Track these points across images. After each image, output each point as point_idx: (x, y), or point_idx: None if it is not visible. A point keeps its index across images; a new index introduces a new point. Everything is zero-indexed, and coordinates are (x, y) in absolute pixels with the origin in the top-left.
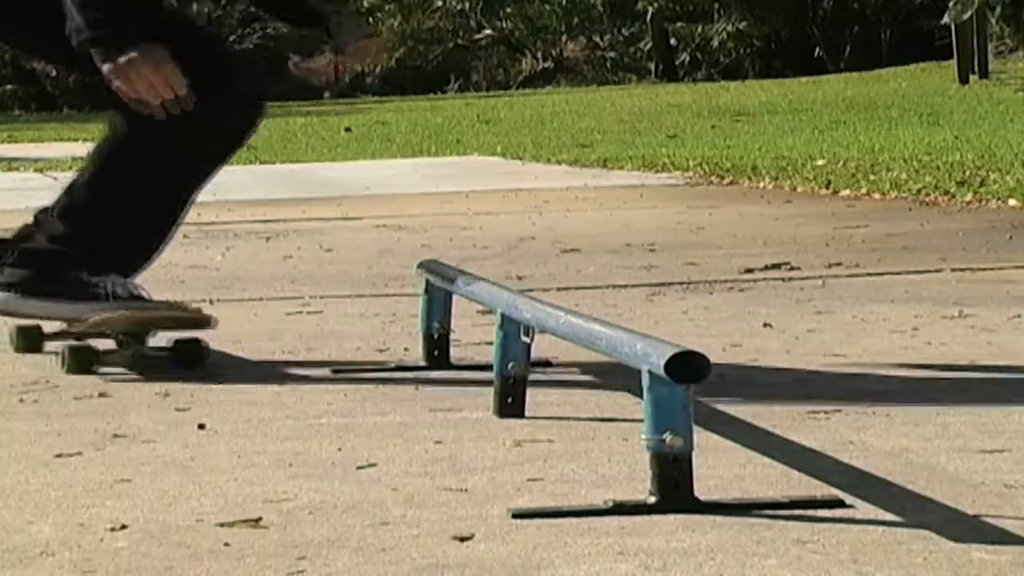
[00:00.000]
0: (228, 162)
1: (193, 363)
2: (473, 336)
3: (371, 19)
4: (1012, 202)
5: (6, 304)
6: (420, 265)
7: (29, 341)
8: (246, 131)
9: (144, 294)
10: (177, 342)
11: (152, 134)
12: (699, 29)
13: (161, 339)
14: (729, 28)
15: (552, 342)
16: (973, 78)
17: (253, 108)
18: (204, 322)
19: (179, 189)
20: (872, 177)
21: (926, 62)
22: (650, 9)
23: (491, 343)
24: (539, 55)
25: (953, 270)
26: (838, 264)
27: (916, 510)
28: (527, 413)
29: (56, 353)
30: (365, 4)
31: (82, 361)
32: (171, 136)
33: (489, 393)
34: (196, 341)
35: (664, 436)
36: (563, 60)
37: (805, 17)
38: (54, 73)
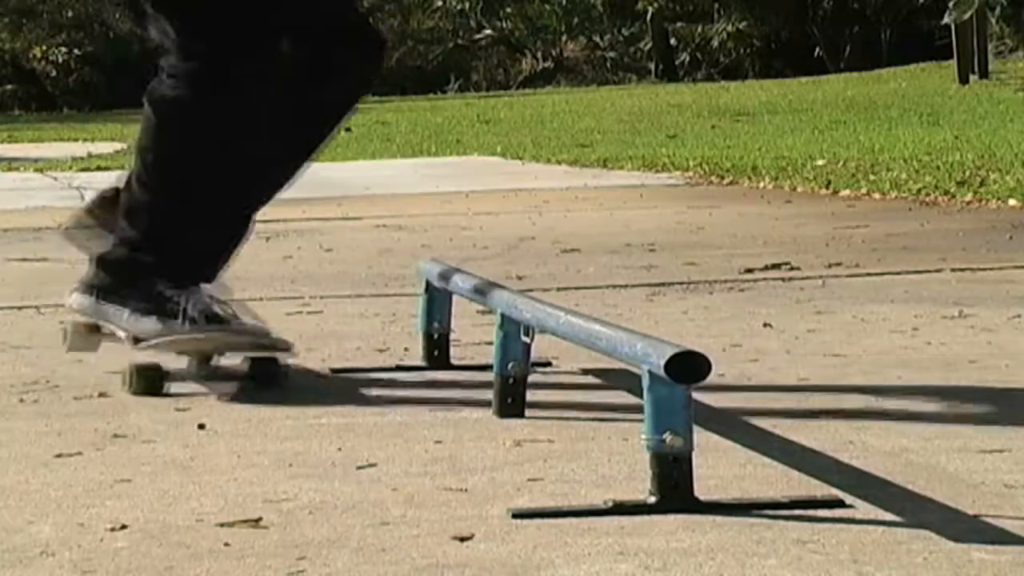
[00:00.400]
0: (312, 149)
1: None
2: (473, 336)
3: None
4: (1012, 202)
5: (83, 308)
6: (420, 265)
7: (149, 383)
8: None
9: (220, 312)
10: (254, 361)
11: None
12: (699, 29)
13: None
14: (729, 28)
15: (552, 342)
16: (973, 78)
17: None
18: (284, 348)
19: (238, 176)
20: (872, 177)
21: (926, 62)
22: (650, 9)
23: (491, 343)
24: (539, 55)
25: (953, 270)
26: (838, 264)
27: (916, 510)
28: (527, 413)
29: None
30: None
31: (151, 382)
32: (218, 118)
33: (489, 393)
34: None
35: (664, 436)
36: (563, 60)
37: (805, 17)
38: (54, 73)
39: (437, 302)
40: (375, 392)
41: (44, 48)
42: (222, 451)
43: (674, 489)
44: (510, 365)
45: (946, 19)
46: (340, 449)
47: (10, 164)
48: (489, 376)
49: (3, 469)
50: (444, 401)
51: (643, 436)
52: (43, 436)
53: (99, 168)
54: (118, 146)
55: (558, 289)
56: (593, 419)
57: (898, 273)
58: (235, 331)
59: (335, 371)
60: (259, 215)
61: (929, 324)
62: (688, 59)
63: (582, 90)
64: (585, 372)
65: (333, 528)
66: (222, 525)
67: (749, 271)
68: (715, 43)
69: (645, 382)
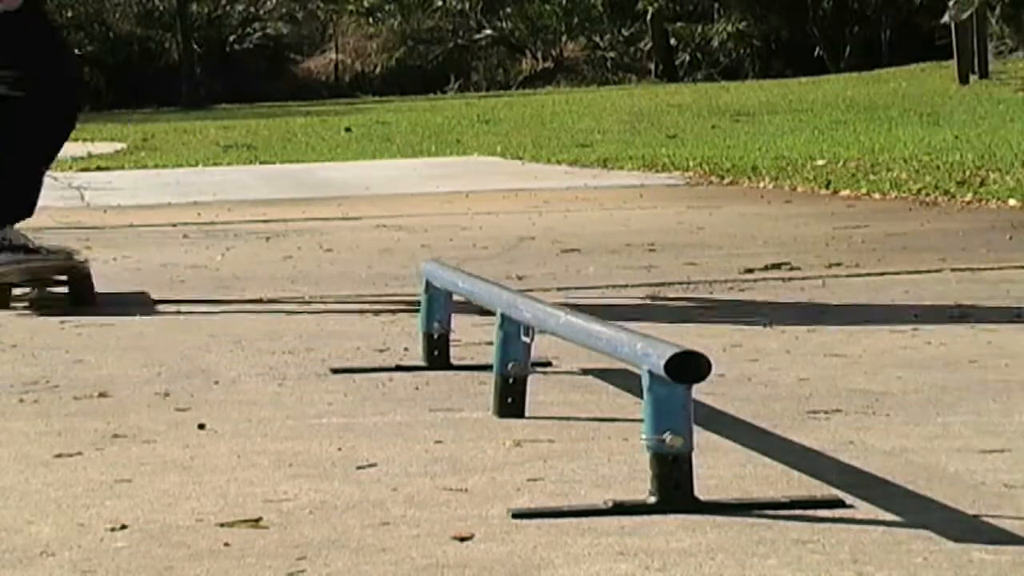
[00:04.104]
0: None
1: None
2: (473, 336)
3: (371, 19)
4: (1012, 202)
5: None
6: (420, 265)
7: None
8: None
9: (31, 244)
10: (71, 283)
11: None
12: (699, 29)
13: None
14: (729, 28)
15: (552, 342)
16: (973, 78)
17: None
18: (84, 266)
19: (33, 158)
20: (872, 177)
21: (926, 62)
22: (650, 9)
23: (491, 343)
24: (539, 55)
25: (953, 270)
26: (838, 264)
27: (916, 510)
28: (527, 413)
29: None
30: (365, 4)
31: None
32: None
33: (489, 393)
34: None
35: (664, 436)
36: (563, 60)
37: (805, 17)
38: None
39: (437, 302)
40: (375, 392)
41: None
42: (222, 451)
43: (674, 489)
44: (510, 365)
45: (945, 18)
46: (340, 449)
47: None
48: (489, 376)
49: (3, 469)
50: (444, 401)
51: (643, 436)
52: (43, 436)
53: (99, 168)
54: (118, 146)
55: (558, 289)
56: (593, 419)
57: (898, 273)
58: (44, 258)
59: (335, 371)
60: (259, 215)
61: (929, 324)
62: (688, 59)
63: (582, 90)
64: (585, 372)
65: (333, 528)
66: (222, 525)
67: (749, 271)
68: (715, 43)
69: (645, 382)
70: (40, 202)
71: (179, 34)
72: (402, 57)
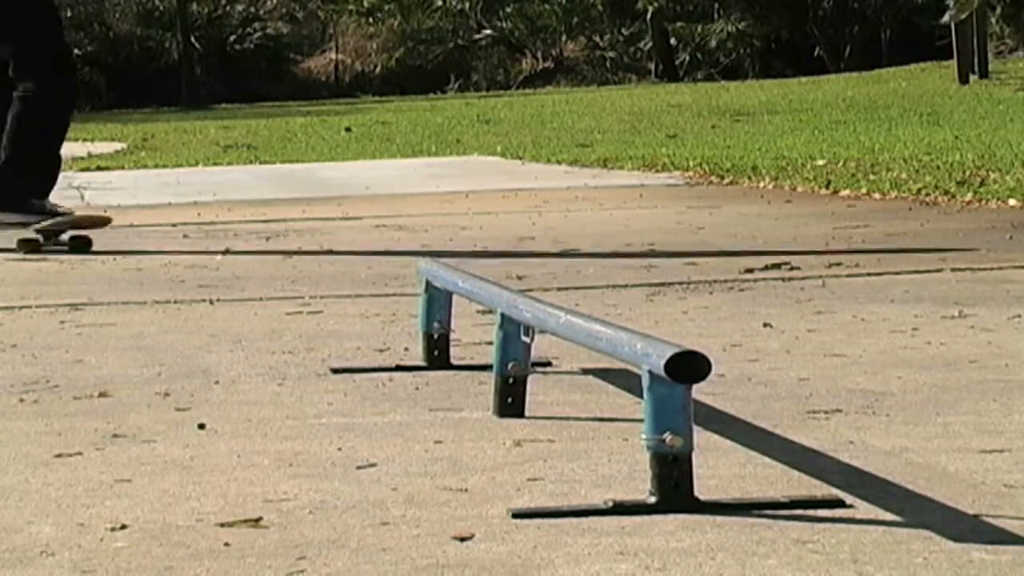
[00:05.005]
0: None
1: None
2: (473, 336)
3: (371, 19)
4: (1012, 202)
5: None
6: (420, 265)
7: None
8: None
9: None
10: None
11: None
12: (699, 29)
13: None
14: (729, 28)
15: (552, 342)
16: (973, 78)
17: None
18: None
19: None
20: (872, 177)
21: (926, 62)
22: (650, 9)
23: (491, 343)
24: (539, 55)
25: (953, 270)
26: (838, 264)
27: (916, 510)
28: (527, 413)
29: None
30: (365, 4)
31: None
32: None
33: (489, 393)
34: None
35: (664, 436)
36: (563, 60)
37: (805, 17)
38: None
39: (437, 302)
40: (375, 392)
41: None
42: (222, 451)
43: (674, 489)
44: (510, 365)
45: (945, 18)
46: (340, 449)
47: None
48: (489, 376)
49: (3, 469)
50: (444, 401)
51: (643, 436)
52: (43, 436)
53: (99, 168)
54: (118, 146)
55: (558, 289)
56: (593, 419)
57: (898, 273)
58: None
59: (335, 371)
60: (259, 215)
61: (929, 324)
62: (688, 59)
63: (582, 90)
64: (585, 372)
65: (333, 528)
66: (222, 525)
67: (749, 271)
68: (715, 43)
69: (645, 382)
70: None
71: (179, 34)
72: (402, 57)
